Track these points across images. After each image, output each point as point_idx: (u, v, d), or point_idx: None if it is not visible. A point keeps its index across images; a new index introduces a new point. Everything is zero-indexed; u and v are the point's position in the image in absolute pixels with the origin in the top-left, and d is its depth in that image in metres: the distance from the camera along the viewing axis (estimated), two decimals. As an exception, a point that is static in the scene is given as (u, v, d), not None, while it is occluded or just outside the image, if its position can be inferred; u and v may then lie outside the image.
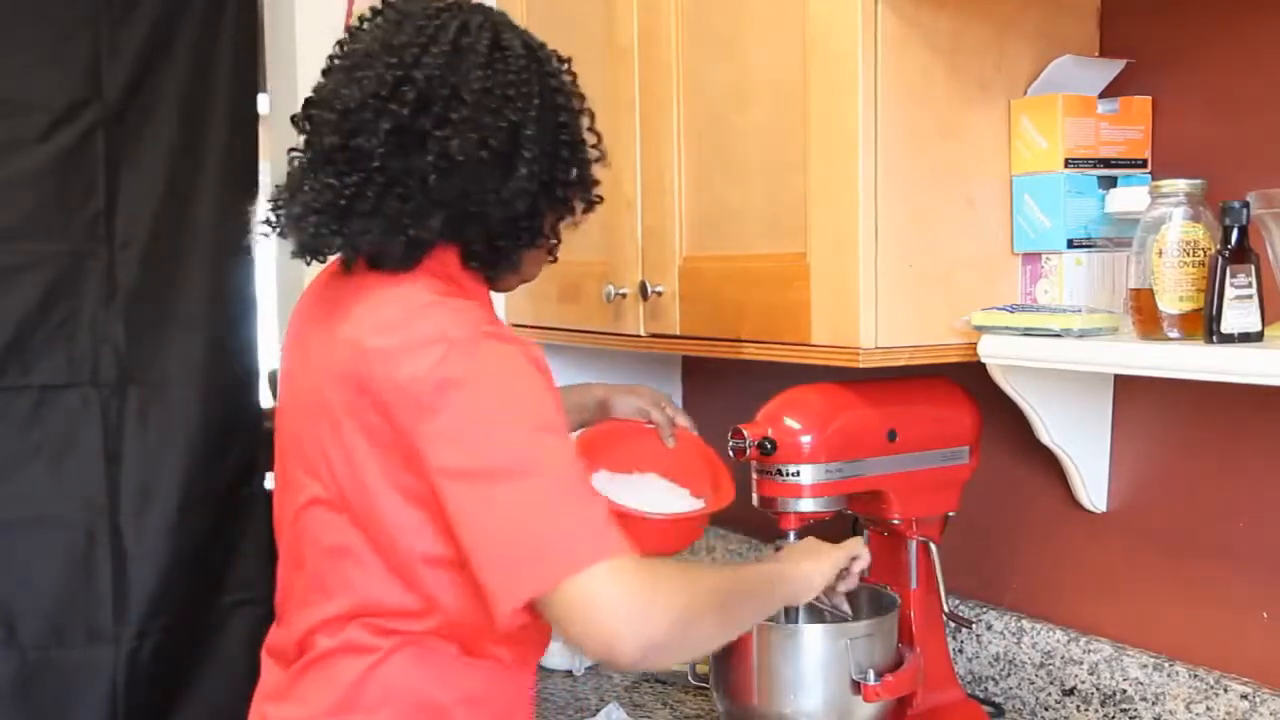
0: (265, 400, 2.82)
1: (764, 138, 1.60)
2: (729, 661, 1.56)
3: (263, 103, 2.54)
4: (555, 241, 1.40)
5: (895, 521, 1.60)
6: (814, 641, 1.51)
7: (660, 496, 1.65)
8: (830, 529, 1.60)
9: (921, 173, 1.47)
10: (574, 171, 1.35)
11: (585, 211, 1.39)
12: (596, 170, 1.39)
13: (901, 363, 1.47)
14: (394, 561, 1.25)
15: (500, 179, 1.27)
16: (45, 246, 2.40)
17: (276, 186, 1.34)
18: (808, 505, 1.53)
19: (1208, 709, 1.50)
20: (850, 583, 1.50)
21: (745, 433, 1.52)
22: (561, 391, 1.49)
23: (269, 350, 2.52)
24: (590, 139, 1.38)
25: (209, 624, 2.60)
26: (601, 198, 1.40)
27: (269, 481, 2.69)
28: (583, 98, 1.37)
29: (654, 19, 1.78)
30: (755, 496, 1.58)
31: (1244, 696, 1.46)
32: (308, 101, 1.32)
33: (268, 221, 1.32)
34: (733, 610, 1.31)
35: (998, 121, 1.52)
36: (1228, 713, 1.48)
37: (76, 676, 2.44)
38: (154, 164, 2.48)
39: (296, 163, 1.32)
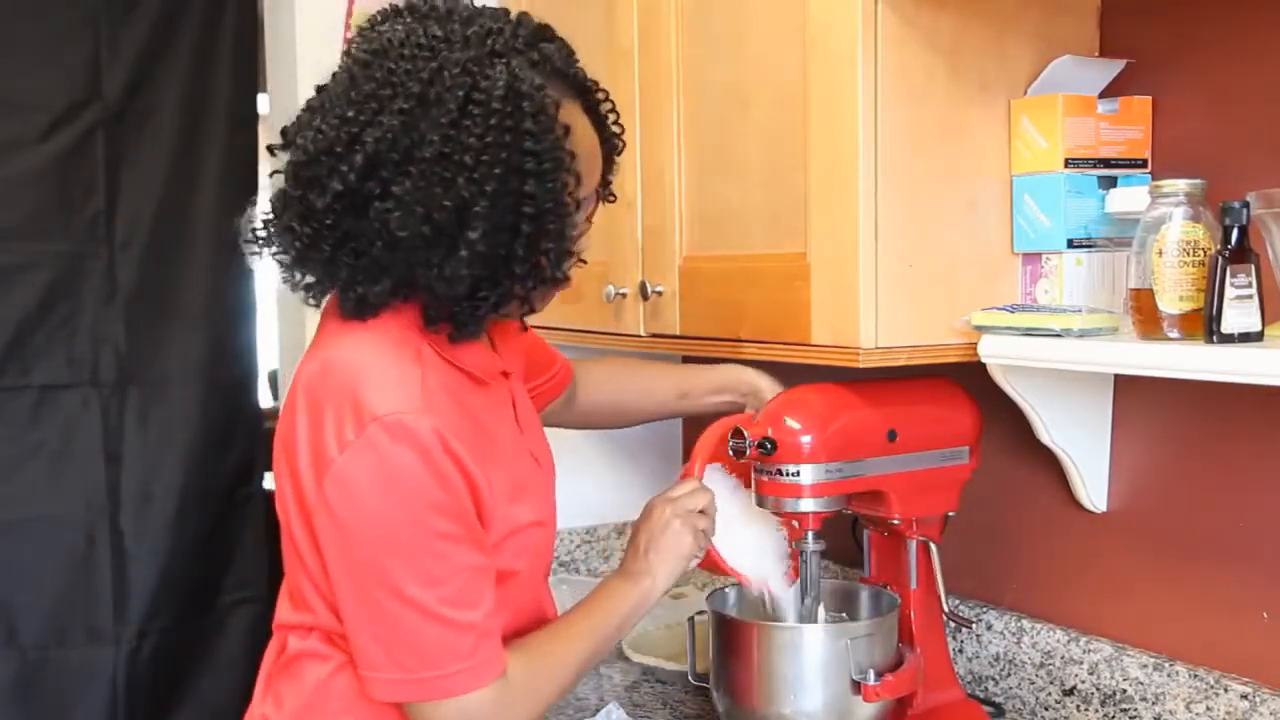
0: (265, 400, 2.82)
1: (764, 138, 1.60)
2: (729, 661, 1.56)
3: (263, 103, 2.54)
4: (542, 288, 1.29)
5: (895, 521, 1.60)
6: (814, 641, 1.51)
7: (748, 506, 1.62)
8: (830, 529, 1.60)
9: (921, 173, 1.47)
10: (540, 244, 1.22)
11: (557, 285, 1.29)
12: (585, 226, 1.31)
13: (901, 363, 1.47)
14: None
15: (442, 255, 1.19)
16: (45, 246, 2.40)
17: (271, 200, 1.32)
18: (808, 505, 1.53)
19: (1208, 709, 1.50)
20: (709, 525, 1.47)
21: (745, 433, 1.52)
22: (706, 372, 1.55)
23: (269, 350, 2.52)
24: (583, 196, 1.27)
25: (209, 624, 2.60)
26: (577, 264, 1.30)
27: (269, 481, 2.69)
28: (573, 155, 1.22)
29: (654, 20, 1.79)
30: (755, 496, 1.58)
31: (1244, 696, 1.46)
32: (282, 130, 1.27)
33: (257, 238, 1.31)
34: (595, 659, 1.39)
35: (998, 121, 1.52)
36: (1228, 713, 1.48)
37: (76, 676, 2.44)
38: (154, 164, 2.48)
39: (277, 186, 1.29)
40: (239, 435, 2.61)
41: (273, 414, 2.49)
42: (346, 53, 1.27)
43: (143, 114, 2.46)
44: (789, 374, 1.57)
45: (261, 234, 1.28)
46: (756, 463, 1.55)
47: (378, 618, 1.20)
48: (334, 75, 1.25)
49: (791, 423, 1.52)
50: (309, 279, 1.27)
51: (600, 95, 1.32)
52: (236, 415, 2.61)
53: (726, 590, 1.66)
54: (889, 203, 1.44)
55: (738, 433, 1.53)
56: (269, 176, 1.29)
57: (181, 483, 2.52)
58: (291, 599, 1.34)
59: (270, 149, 1.28)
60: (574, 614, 1.39)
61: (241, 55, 2.55)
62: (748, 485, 1.58)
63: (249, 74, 2.58)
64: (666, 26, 1.76)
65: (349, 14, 2.18)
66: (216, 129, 2.54)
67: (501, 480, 1.27)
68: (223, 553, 2.61)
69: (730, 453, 1.54)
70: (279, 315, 2.34)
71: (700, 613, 1.65)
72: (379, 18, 1.27)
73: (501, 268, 1.22)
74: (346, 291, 1.24)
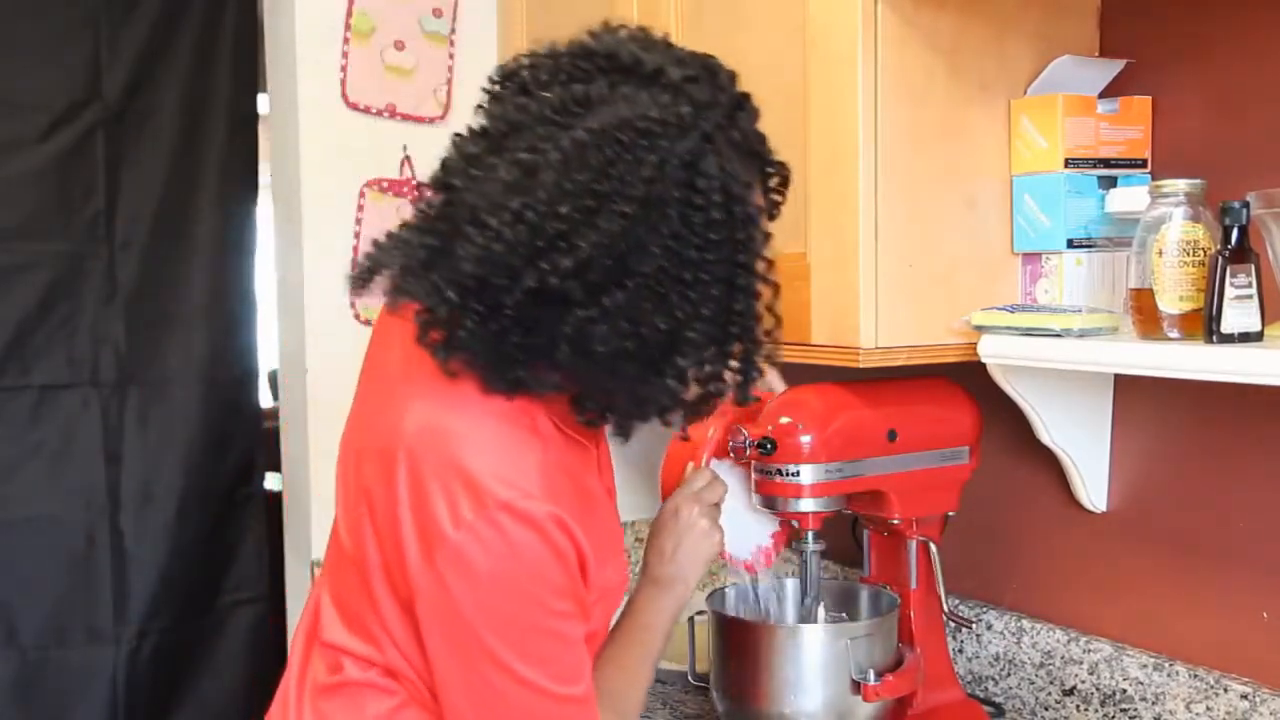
0: (265, 400, 2.82)
1: (764, 138, 1.59)
2: (729, 661, 1.56)
3: (262, 103, 2.54)
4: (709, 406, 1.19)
5: (895, 521, 1.60)
6: (814, 641, 1.51)
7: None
8: (830, 529, 1.60)
9: (921, 173, 1.47)
10: (742, 365, 1.15)
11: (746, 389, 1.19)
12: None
13: (901, 362, 1.47)
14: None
15: (639, 373, 1.10)
16: (45, 246, 2.41)
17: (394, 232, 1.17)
18: (808, 505, 1.53)
19: (1208, 709, 1.50)
20: (717, 502, 1.42)
21: (745, 432, 1.52)
22: None
23: (269, 350, 2.52)
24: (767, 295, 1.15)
25: (209, 624, 2.60)
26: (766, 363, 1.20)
27: (269, 481, 2.70)
28: (768, 236, 1.12)
29: (654, 20, 1.78)
30: (755, 496, 1.58)
31: (1244, 696, 1.46)
32: (444, 165, 1.14)
33: (363, 271, 1.19)
34: (650, 675, 1.35)
35: (998, 121, 1.52)
36: (1228, 713, 1.48)
37: (76, 676, 2.44)
38: (154, 164, 2.48)
39: (418, 216, 1.15)
40: (239, 435, 2.61)
41: (273, 414, 2.50)
42: (524, 89, 1.12)
43: (143, 114, 2.47)
44: (789, 374, 1.57)
45: (407, 286, 1.14)
46: (756, 462, 1.55)
47: (483, 693, 1.15)
48: (511, 122, 1.10)
49: (791, 423, 1.52)
50: (449, 343, 1.12)
51: (774, 169, 1.20)
52: (236, 415, 2.62)
53: (726, 590, 1.66)
54: (889, 203, 1.44)
55: (738, 432, 1.53)
56: (415, 211, 1.17)
57: (181, 483, 2.52)
58: (350, 625, 1.27)
59: (419, 188, 1.17)
60: (626, 646, 1.34)
61: (241, 55, 2.56)
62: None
63: (249, 74, 2.58)
64: (666, 26, 1.76)
65: (349, 14, 2.18)
66: (216, 129, 2.54)
67: (597, 543, 1.19)
68: (223, 553, 2.62)
69: (730, 453, 1.54)
70: (279, 315, 2.34)
71: (700, 613, 1.65)
72: (568, 61, 1.12)
73: (701, 386, 1.15)
74: (504, 371, 1.12)
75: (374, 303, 1.31)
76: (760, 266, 1.13)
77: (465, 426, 1.14)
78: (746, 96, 1.16)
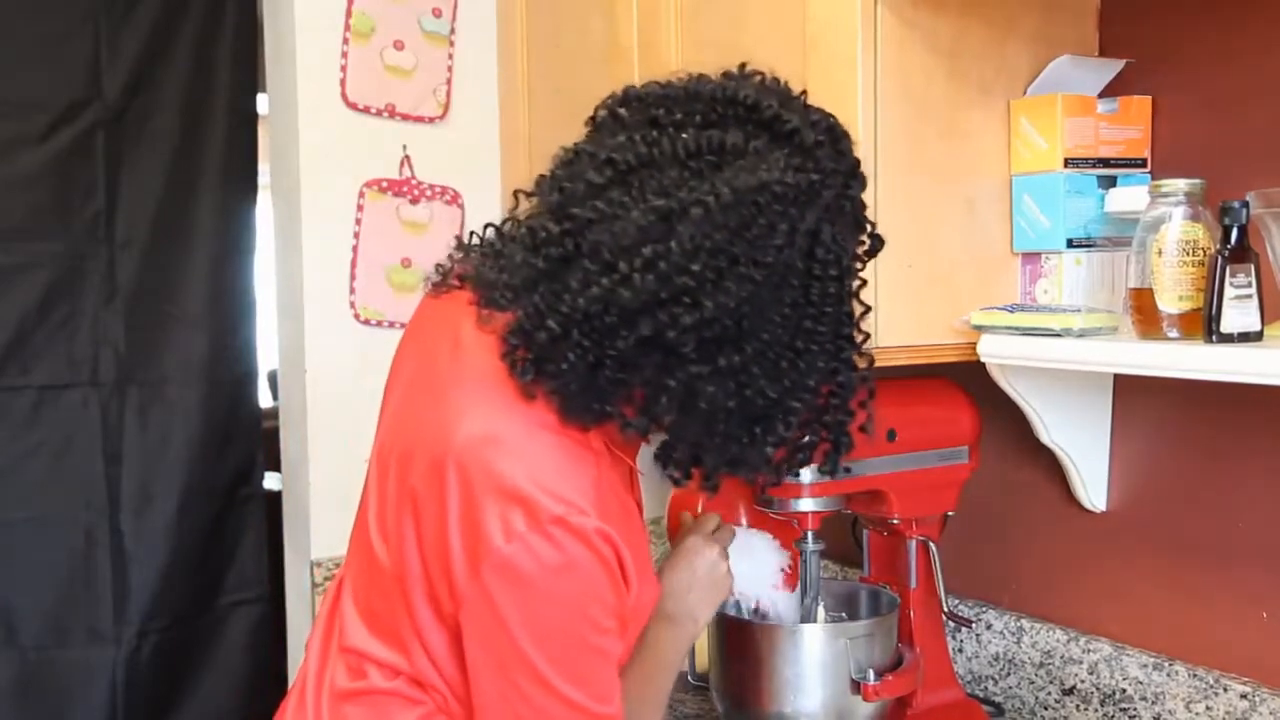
0: (265, 400, 2.82)
1: (764, 138, 1.59)
2: (729, 661, 1.56)
3: (262, 103, 2.54)
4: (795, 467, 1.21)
5: (895, 521, 1.60)
6: (814, 641, 1.51)
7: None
8: (830, 529, 1.60)
9: (921, 173, 1.47)
10: (834, 432, 1.16)
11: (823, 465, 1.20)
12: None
13: (901, 362, 1.47)
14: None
15: (736, 433, 1.10)
16: (45, 246, 2.40)
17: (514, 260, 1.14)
18: (807, 505, 1.53)
19: (1207, 708, 1.50)
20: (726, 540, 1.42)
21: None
22: None
23: (269, 350, 2.52)
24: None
25: (209, 624, 2.60)
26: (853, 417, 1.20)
27: (269, 481, 2.70)
28: (868, 310, 1.15)
29: (654, 19, 1.78)
30: (755, 496, 1.58)
31: (1244, 696, 1.46)
32: (561, 189, 1.11)
33: (446, 274, 1.20)
34: (660, 709, 1.34)
35: (997, 122, 1.52)
36: (1227, 712, 1.48)
37: (76, 676, 2.44)
38: (154, 164, 2.48)
39: (523, 233, 1.13)
40: (239, 435, 2.61)
41: (272, 414, 2.49)
42: (654, 121, 1.10)
43: (143, 114, 2.46)
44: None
45: (503, 301, 1.12)
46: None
47: (519, 709, 1.14)
48: (641, 158, 1.08)
49: (791, 422, 1.51)
50: (539, 367, 1.10)
51: (872, 241, 1.21)
52: (236, 415, 2.61)
53: (726, 590, 1.66)
54: (888, 202, 1.44)
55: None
56: (515, 196, 1.17)
57: (181, 483, 2.51)
58: (377, 632, 1.25)
59: (516, 195, 1.15)
60: (639, 680, 1.32)
61: (241, 55, 2.55)
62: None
63: (249, 74, 2.58)
64: (666, 26, 1.76)
65: (348, 14, 2.18)
66: (216, 129, 2.54)
67: (638, 560, 1.19)
68: (223, 553, 2.61)
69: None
70: (279, 315, 2.34)
71: (700, 612, 1.65)
72: (705, 104, 1.10)
73: (790, 452, 1.15)
74: (589, 403, 1.10)
75: (373, 302, 1.31)
76: (859, 338, 1.16)
77: (519, 439, 1.12)
78: (859, 163, 1.16)
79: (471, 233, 1.25)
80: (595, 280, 1.05)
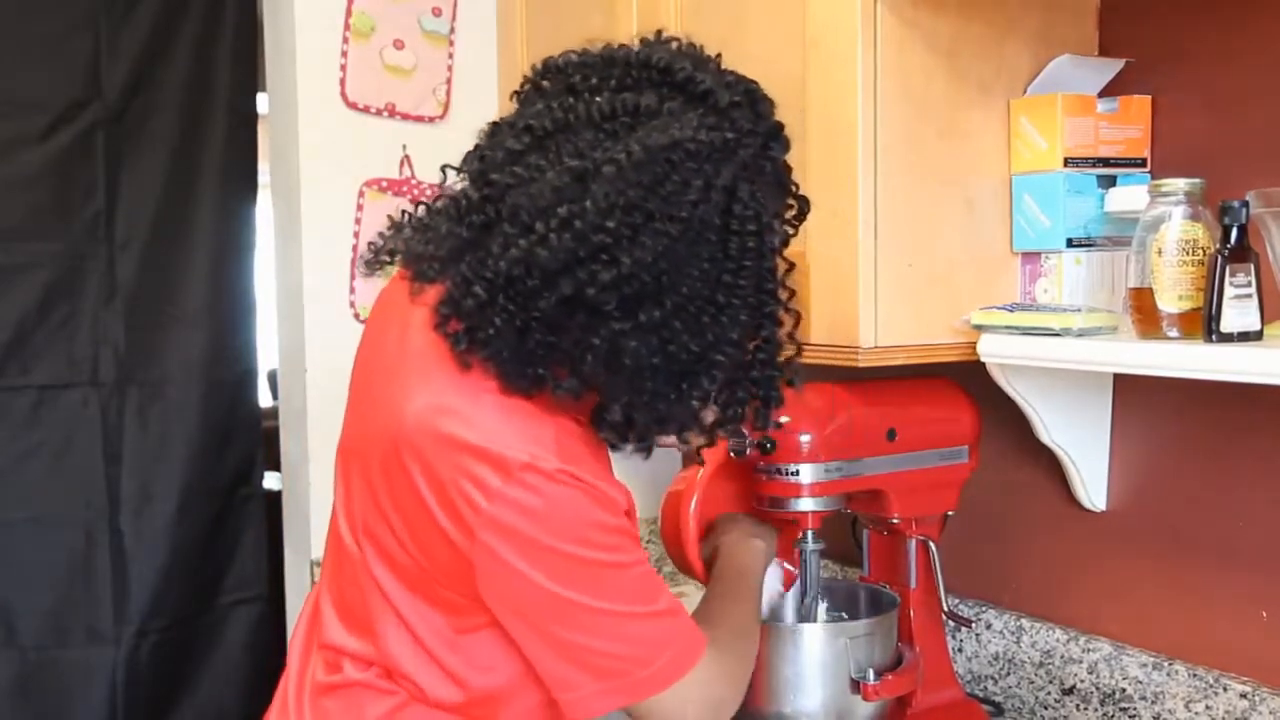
0: (265, 400, 2.82)
1: (764, 137, 1.59)
2: (729, 661, 1.56)
3: (261, 102, 2.54)
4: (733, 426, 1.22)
5: (895, 521, 1.60)
6: (814, 641, 1.51)
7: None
8: (830, 528, 1.60)
9: (921, 172, 1.47)
10: (764, 389, 1.18)
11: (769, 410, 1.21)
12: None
13: (900, 362, 1.48)
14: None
15: (661, 389, 1.11)
16: (45, 246, 2.40)
17: (407, 213, 1.21)
18: (807, 504, 1.53)
19: (1207, 708, 1.50)
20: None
21: (745, 432, 1.52)
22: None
23: (269, 350, 2.52)
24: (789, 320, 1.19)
25: (209, 624, 2.60)
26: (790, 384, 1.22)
27: (269, 481, 2.70)
28: (792, 266, 1.17)
29: (654, 20, 1.78)
30: (755, 496, 1.58)
31: (1243, 696, 1.46)
32: (482, 157, 1.14)
33: (379, 252, 1.22)
34: (753, 634, 1.38)
35: (997, 121, 1.52)
36: (1227, 712, 1.48)
37: (76, 676, 2.44)
38: (154, 164, 2.48)
39: (448, 204, 1.16)
40: (239, 435, 2.61)
41: (272, 414, 2.49)
42: (571, 89, 1.12)
43: (143, 114, 2.46)
44: (788, 373, 1.57)
45: (431, 272, 1.15)
46: (756, 462, 1.55)
47: (567, 642, 1.15)
48: (558, 122, 1.10)
49: (790, 422, 1.52)
50: (471, 335, 1.12)
51: (796, 202, 1.23)
52: (236, 415, 2.61)
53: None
54: (888, 202, 1.44)
55: (737, 432, 1.53)
56: (438, 185, 1.19)
57: (181, 483, 2.52)
58: (349, 625, 1.27)
59: (444, 170, 1.17)
60: (713, 586, 1.40)
61: (241, 55, 2.55)
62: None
63: (249, 74, 2.58)
64: (667, 26, 1.75)
65: (348, 13, 2.18)
66: (216, 129, 2.54)
67: (627, 501, 1.21)
68: (223, 553, 2.61)
69: (730, 453, 1.54)
70: (279, 315, 2.34)
71: (700, 612, 1.65)
72: (620, 68, 1.13)
73: (720, 410, 1.17)
74: (524, 368, 1.12)
75: (373, 302, 1.31)
76: (784, 295, 1.16)
77: (465, 404, 1.14)
78: (781, 127, 1.17)
79: (404, 212, 1.27)
80: (514, 242, 1.07)
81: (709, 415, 1.18)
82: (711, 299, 1.09)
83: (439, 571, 1.17)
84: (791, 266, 1.19)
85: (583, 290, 1.06)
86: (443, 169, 1.21)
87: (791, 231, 1.21)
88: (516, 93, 1.19)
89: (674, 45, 1.16)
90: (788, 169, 1.19)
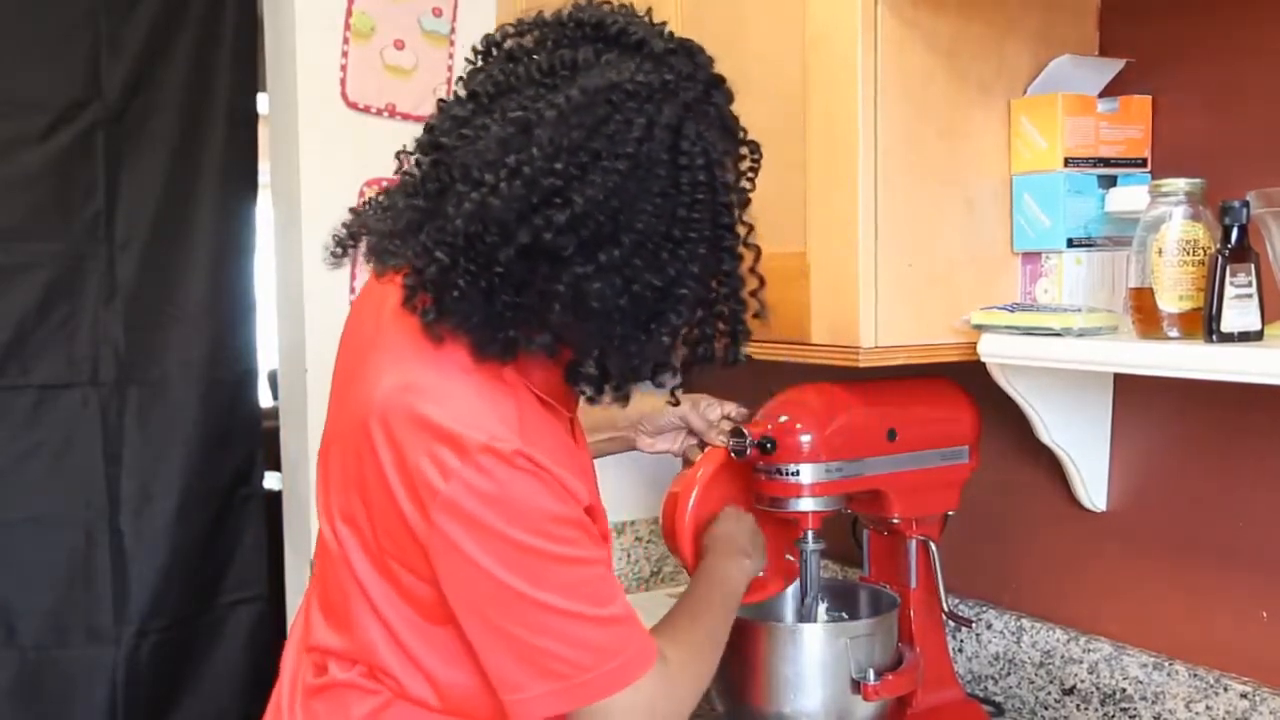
0: (265, 400, 2.82)
1: (763, 137, 1.58)
2: (729, 661, 1.56)
3: (262, 102, 2.54)
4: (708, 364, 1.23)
5: (895, 521, 1.60)
6: (814, 641, 1.51)
7: None
8: (830, 528, 1.60)
9: (921, 172, 1.47)
10: (731, 324, 1.19)
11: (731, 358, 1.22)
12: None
13: (901, 362, 1.48)
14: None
15: (632, 331, 1.13)
16: (45, 246, 2.41)
17: (371, 200, 1.22)
18: (807, 504, 1.53)
19: (1207, 708, 1.50)
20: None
21: (745, 432, 1.52)
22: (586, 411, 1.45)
23: (269, 350, 2.53)
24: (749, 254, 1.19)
25: (209, 624, 2.60)
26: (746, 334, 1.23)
27: (269, 481, 2.70)
28: (747, 202, 1.18)
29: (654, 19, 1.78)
30: (755, 496, 1.58)
31: (1244, 696, 1.46)
32: (429, 128, 1.16)
33: (342, 240, 1.23)
34: (712, 653, 1.36)
35: (997, 121, 1.52)
36: (1227, 712, 1.48)
37: (76, 676, 2.44)
38: (154, 164, 2.48)
39: (404, 180, 1.18)
40: (239, 435, 2.61)
41: (272, 414, 2.50)
42: (511, 56, 1.15)
43: (143, 114, 2.46)
44: (789, 373, 1.57)
45: (395, 249, 1.16)
46: (756, 462, 1.55)
47: (515, 637, 1.15)
48: (500, 84, 1.12)
49: (790, 422, 1.52)
50: (439, 305, 1.13)
51: (748, 149, 1.23)
52: (236, 415, 2.62)
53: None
54: (888, 202, 1.44)
55: (738, 432, 1.53)
56: (395, 174, 1.20)
57: (181, 483, 2.52)
58: (333, 624, 1.27)
59: (399, 156, 1.19)
60: (685, 597, 1.39)
61: (241, 55, 2.55)
62: None
63: (249, 74, 2.58)
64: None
65: (348, 13, 2.18)
66: (216, 129, 2.54)
67: (587, 490, 1.22)
68: (223, 553, 2.61)
69: (731, 453, 1.54)
70: (279, 315, 2.34)
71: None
72: (554, 29, 1.16)
73: (691, 348, 1.18)
74: (495, 332, 1.13)
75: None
76: (742, 230, 1.18)
77: (433, 382, 1.15)
78: (722, 78, 1.20)
79: (365, 200, 1.29)
80: (467, 197, 1.09)
81: (680, 354, 1.20)
82: (668, 234, 1.10)
83: (403, 557, 1.18)
84: (747, 203, 1.19)
85: (540, 236, 1.07)
86: (396, 155, 1.23)
87: (749, 186, 1.22)
88: (465, 74, 1.21)
89: (605, 4, 1.19)
90: (734, 118, 1.21)
